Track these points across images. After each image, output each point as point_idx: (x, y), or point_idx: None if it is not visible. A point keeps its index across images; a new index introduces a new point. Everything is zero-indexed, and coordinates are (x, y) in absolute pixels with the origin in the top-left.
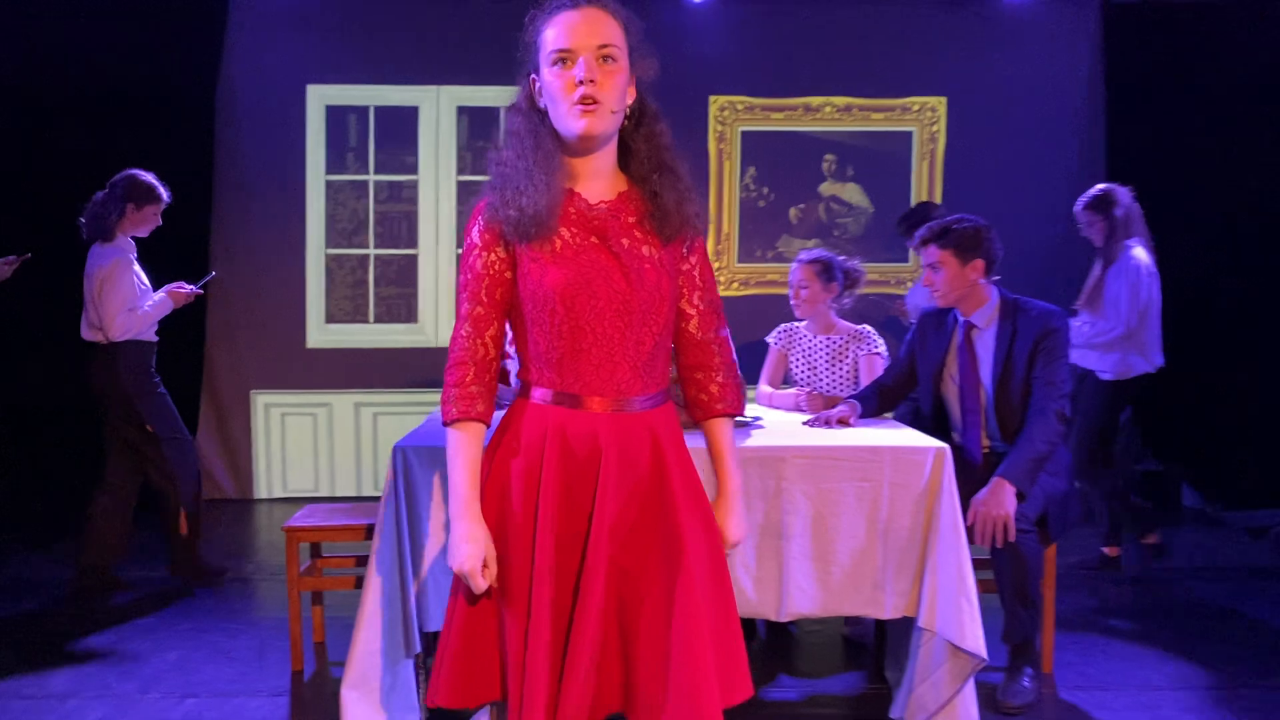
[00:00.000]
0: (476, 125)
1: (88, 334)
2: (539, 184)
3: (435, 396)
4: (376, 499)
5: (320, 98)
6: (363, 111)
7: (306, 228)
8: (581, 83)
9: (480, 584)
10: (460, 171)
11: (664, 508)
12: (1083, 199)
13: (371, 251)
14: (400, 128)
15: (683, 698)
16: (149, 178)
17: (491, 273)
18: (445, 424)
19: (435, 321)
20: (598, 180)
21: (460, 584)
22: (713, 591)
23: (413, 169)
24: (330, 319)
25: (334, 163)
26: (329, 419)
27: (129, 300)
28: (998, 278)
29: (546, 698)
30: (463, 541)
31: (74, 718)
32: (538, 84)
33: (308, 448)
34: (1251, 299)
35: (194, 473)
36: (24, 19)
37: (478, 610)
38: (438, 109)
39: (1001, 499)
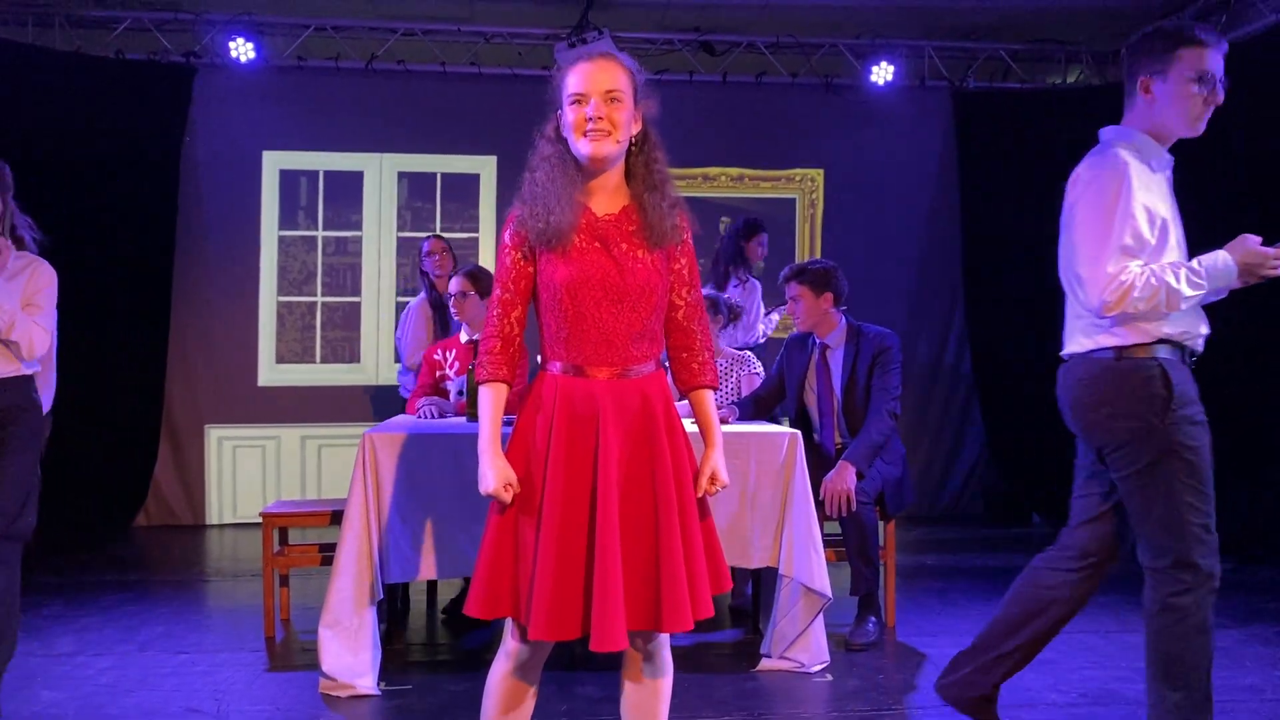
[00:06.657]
0: (415, 188)
1: None
2: (565, 204)
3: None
4: None
5: (274, 162)
6: (313, 175)
7: (260, 277)
8: (590, 118)
9: (507, 499)
10: (400, 229)
11: (651, 451)
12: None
13: (319, 299)
14: (346, 190)
15: (671, 608)
16: None
17: (516, 269)
18: (478, 383)
19: (376, 362)
20: (605, 195)
21: (492, 515)
22: (682, 521)
23: (357, 226)
24: (280, 359)
25: (286, 219)
26: (277, 451)
27: None
28: (844, 308)
29: (549, 604)
30: (488, 469)
31: (84, 669)
32: (561, 117)
33: (257, 477)
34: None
35: None
36: (14, 85)
37: (504, 538)
38: (380, 173)
39: (845, 477)
